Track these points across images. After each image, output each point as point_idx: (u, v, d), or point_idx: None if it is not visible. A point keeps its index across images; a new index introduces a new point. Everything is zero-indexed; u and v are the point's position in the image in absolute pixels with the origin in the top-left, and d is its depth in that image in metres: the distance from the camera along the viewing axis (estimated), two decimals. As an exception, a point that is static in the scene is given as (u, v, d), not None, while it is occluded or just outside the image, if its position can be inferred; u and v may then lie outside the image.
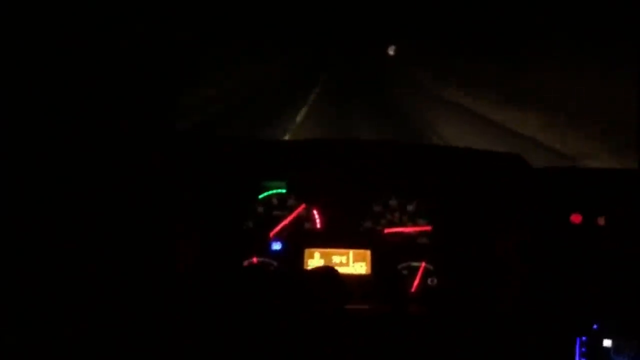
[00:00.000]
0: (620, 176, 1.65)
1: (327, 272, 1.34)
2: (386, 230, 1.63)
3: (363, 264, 1.60)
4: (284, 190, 1.67)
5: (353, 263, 1.61)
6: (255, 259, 1.61)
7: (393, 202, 1.65)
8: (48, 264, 1.43)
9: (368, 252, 1.61)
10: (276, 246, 1.63)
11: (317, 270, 1.38)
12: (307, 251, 1.61)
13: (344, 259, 1.61)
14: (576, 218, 1.49)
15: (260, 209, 1.66)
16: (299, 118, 9.29)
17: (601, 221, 1.48)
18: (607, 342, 1.43)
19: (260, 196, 1.67)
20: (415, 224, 1.64)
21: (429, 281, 1.59)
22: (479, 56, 12.15)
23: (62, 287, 1.46)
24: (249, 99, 11.33)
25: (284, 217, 1.65)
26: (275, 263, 1.61)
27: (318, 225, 1.65)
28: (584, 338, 1.44)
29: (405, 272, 1.60)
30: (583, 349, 1.43)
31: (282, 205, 1.66)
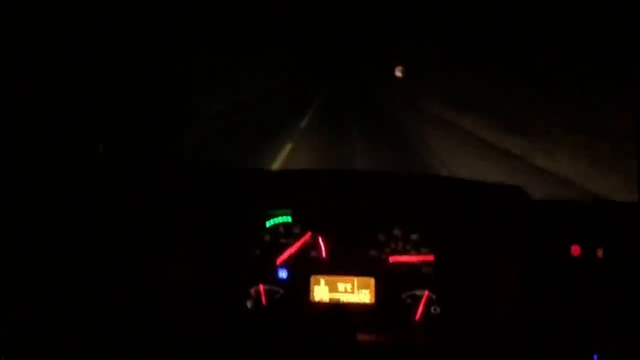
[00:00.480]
0: (619, 209, 1.69)
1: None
2: (390, 259, 1.67)
3: (367, 291, 1.64)
4: (290, 219, 1.71)
5: (358, 291, 1.64)
6: (261, 286, 1.64)
7: (397, 232, 1.69)
8: (49, 289, 1.46)
9: (372, 280, 1.64)
10: (282, 273, 1.66)
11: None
12: (312, 278, 1.65)
13: (348, 286, 1.64)
14: (576, 250, 1.53)
15: (267, 237, 1.70)
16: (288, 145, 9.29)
17: (600, 253, 1.52)
18: None
19: (268, 224, 1.71)
20: (418, 253, 1.67)
21: (432, 310, 1.62)
22: (482, 79, 12.23)
23: (64, 312, 1.50)
24: (242, 121, 11.41)
25: (290, 245, 1.68)
26: (281, 290, 1.64)
27: (323, 254, 1.68)
28: None
29: (409, 300, 1.63)
30: None
31: (289, 233, 1.70)
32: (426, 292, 1.62)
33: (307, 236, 1.69)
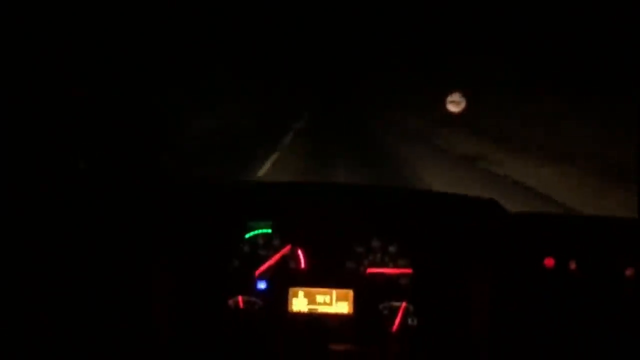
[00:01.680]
0: (592, 222, 1.74)
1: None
2: (368, 271, 1.68)
3: (345, 303, 1.64)
4: (269, 230, 1.72)
5: (336, 302, 1.65)
6: (240, 298, 1.64)
7: (375, 244, 1.70)
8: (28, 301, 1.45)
9: (351, 292, 1.65)
10: (261, 285, 1.66)
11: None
12: (291, 290, 1.65)
13: (327, 298, 1.65)
14: (549, 262, 1.56)
15: (246, 249, 1.70)
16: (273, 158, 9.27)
17: (573, 265, 1.55)
18: None
19: (247, 236, 1.71)
20: (396, 265, 1.69)
21: (409, 321, 1.63)
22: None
23: (44, 326, 1.48)
24: (226, 138, 11.35)
25: (270, 257, 1.69)
26: (260, 302, 1.64)
27: (302, 265, 1.69)
28: None
29: (386, 312, 1.64)
30: None
31: (268, 245, 1.71)
32: (404, 304, 1.64)
33: (287, 248, 1.70)
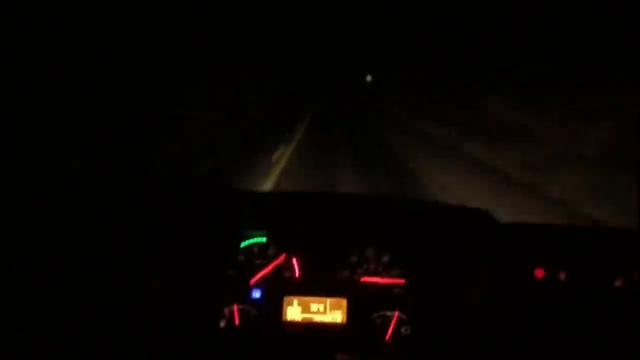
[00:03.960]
0: (582, 233, 1.76)
1: None
2: (362, 279, 1.70)
3: (339, 312, 1.66)
4: (264, 240, 1.74)
5: (330, 311, 1.66)
6: (235, 306, 1.66)
7: (369, 253, 1.72)
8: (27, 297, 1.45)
9: (344, 301, 1.67)
10: (256, 294, 1.68)
11: None
12: (286, 299, 1.67)
13: (321, 307, 1.67)
14: (539, 273, 1.59)
15: (241, 258, 1.72)
16: (280, 162, 9.23)
17: (562, 276, 1.58)
18: None
19: (242, 245, 1.73)
20: (390, 275, 1.71)
21: (402, 330, 1.65)
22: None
23: (37, 328, 1.49)
24: (228, 139, 11.25)
25: (264, 266, 1.71)
26: (255, 310, 1.66)
27: (297, 274, 1.71)
28: None
29: (379, 321, 1.66)
30: None
31: (263, 254, 1.73)
32: (397, 313, 1.66)
33: (281, 257, 1.72)
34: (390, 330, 1.64)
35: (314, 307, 1.67)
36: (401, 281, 1.70)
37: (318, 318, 1.66)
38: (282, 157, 9.69)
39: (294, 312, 1.66)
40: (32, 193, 1.66)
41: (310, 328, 1.64)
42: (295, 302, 1.67)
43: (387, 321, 1.66)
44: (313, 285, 1.69)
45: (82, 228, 1.62)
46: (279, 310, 1.66)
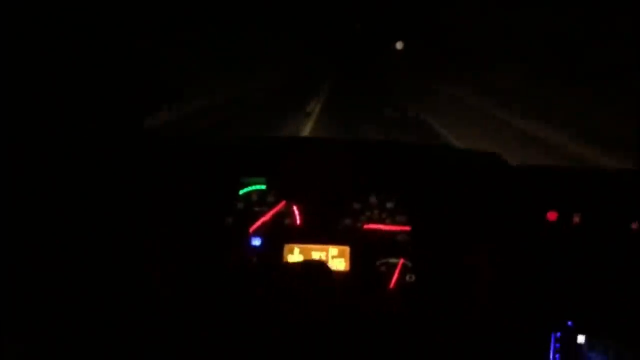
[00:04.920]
0: (595, 175, 1.68)
1: (319, 267, 1.35)
2: (365, 227, 1.64)
3: (342, 260, 1.61)
4: (263, 187, 1.67)
5: (332, 259, 1.61)
6: (234, 254, 1.61)
7: (372, 199, 1.66)
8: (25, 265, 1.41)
9: (347, 249, 1.61)
10: (256, 242, 1.63)
11: (309, 265, 1.39)
12: (286, 247, 1.61)
13: (323, 255, 1.61)
14: (552, 215, 1.51)
15: (240, 205, 1.66)
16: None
17: (576, 219, 1.50)
18: (580, 338, 1.45)
19: (240, 192, 1.66)
20: (394, 222, 1.64)
21: (407, 278, 1.60)
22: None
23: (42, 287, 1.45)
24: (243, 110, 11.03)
25: (264, 213, 1.65)
26: (255, 258, 1.61)
27: (298, 222, 1.65)
28: (558, 334, 1.46)
29: (383, 268, 1.60)
30: (557, 345, 1.45)
31: (262, 201, 1.66)
32: (401, 260, 1.60)
33: (281, 204, 1.65)
34: (394, 278, 1.59)
35: (315, 255, 1.62)
36: (406, 228, 1.63)
37: None
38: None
39: (295, 260, 1.61)
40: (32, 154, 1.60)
41: None
42: (297, 250, 1.62)
43: (391, 269, 1.60)
44: (314, 233, 1.63)
45: (79, 186, 1.56)
46: (279, 258, 1.61)
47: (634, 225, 1.47)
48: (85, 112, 1.57)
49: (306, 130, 8.64)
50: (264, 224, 1.64)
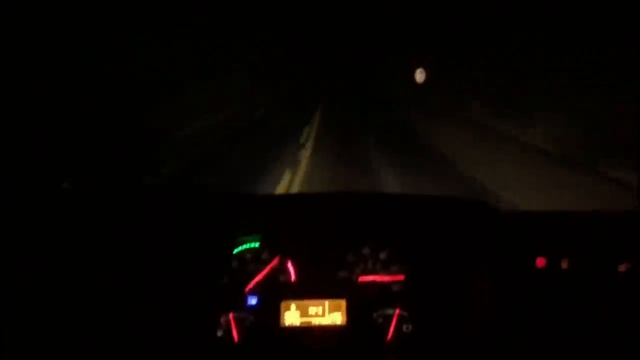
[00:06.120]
0: (583, 218, 1.72)
1: None
2: (360, 279, 1.66)
3: (339, 313, 1.62)
4: (257, 244, 1.69)
5: (329, 313, 1.62)
6: (231, 314, 1.61)
7: (366, 251, 1.68)
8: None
9: (343, 302, 1.63)
10: (252, 301, 1.64)
11: None
12: (283, 304, 1.62)
13: (319, 309, 1.62)
14: (541, 262, 1.55)
15: (235, 264, 1.68)
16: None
17: (564, 264, 1.54)
18: None
19: (235, 251, 1.68)
20: (388, 272, 1.67)
21: (404, 328, 1.61)
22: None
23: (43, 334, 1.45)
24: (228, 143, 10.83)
25: (259, 271, 1.66)
26: (252, 317, 1.62)
27: (293, 278, 1.66)
28: None
29: (380, 320, 1.62)
30: None
31: (257, 259, 1.68)
32: (397, 310, 1.62)
33: (275, 261, 1.67)
34: (391, 329, 1.60)
35: (312, 310, 1.63)
36: (400, 277, 1.66)
37: (317, 321, 1.62)
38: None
39: (292, 316, 1.62)
40: (23, 214, 1.62)
41: (309, 332, 1.60)
42: (293, 306, 1.63)
43: (388, 320, 1.62)
44: (310, 288, 1.65)
45: (75, 246, 1.58)
46: (276, 315, 1.62)
47: (621, 268, 1.51)
48: (88, 167, 1.60)
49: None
50: (259, 282, 1.66)
